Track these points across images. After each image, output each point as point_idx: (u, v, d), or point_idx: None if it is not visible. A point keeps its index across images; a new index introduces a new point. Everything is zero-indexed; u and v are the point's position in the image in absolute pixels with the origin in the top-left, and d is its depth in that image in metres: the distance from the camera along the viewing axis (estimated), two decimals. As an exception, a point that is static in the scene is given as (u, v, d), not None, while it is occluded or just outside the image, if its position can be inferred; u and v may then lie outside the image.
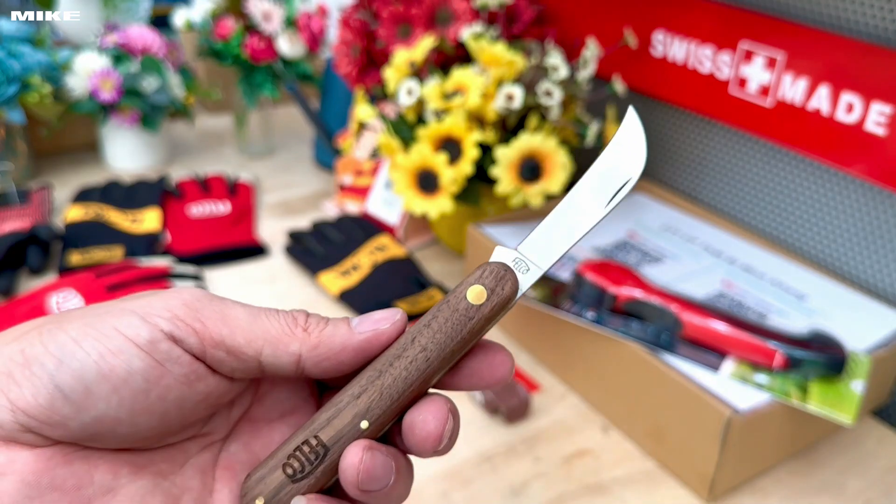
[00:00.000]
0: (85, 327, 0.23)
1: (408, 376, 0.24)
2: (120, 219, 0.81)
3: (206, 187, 0.90)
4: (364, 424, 0.24)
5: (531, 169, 0.65)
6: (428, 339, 0.24)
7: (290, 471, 0.24)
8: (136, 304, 0.24)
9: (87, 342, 0.22)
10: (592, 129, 0.69)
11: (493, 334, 0.67)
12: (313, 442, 0.24)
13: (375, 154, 0.80)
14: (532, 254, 0.25)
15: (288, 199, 0.93)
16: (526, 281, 0.25)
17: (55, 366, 0.22)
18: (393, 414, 0.24)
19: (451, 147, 0.66)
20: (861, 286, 0.65)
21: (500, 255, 0.25)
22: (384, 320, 0.25)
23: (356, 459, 0.23)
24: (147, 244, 0.77)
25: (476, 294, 0.24)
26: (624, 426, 0.56)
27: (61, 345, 0.22)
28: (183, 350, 0.23)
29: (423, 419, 0.24)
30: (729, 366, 0.52)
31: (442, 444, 0.24)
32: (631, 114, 0.26)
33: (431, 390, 0.25)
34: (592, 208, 0.25)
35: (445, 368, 0.24)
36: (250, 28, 0.97)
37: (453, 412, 0.25)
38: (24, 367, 0.22)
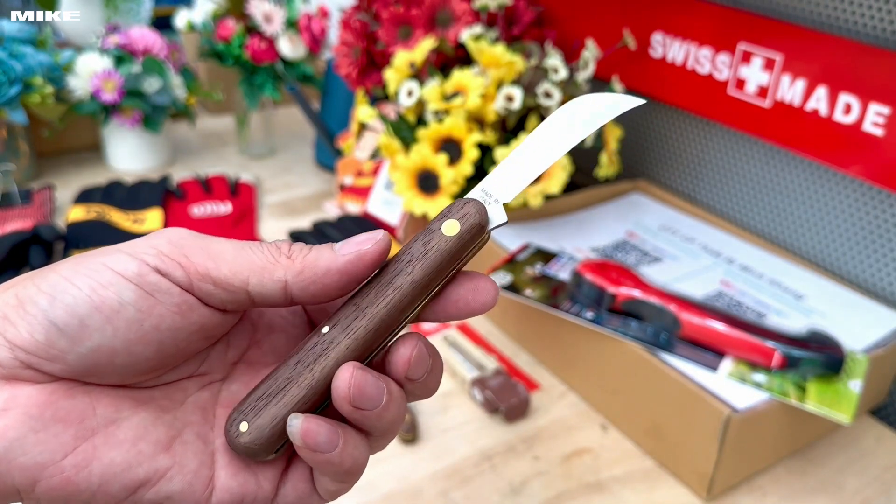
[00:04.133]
0: (76, 265, 0.23)
1: (388, 303, 0.25)
2: (122, 219, 0.81)
3: (207, 188, 0.91)
4: (325, 329, 0.25)
5: (531, 169, 0.66)
6: (404, 266, 0.25)
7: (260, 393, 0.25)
8: (123, 245, 0.25)
9: (77, 279, 0.23)
10: (592, 130, 0.69)
11: (493, 333, 0.68)
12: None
13: (376, 155, 0.80)
14: (496, 189, 0.27)
15: (289, 200, 0.94)
16: (495, 212, 0.26)
17: (48, 302, 0.22)
18: (376, 340, 0.25)
19: (451, 148, 0.67)
20: (859, 286, 0.65)
21: (468, 194, 0.27)
22: (367, 241, 0.25)
23: (346, 374, 0.24)
24: (149, 244, 0.77)
25: (448, 226, 0.25)
26: (623, 425, 0.57)
27: (53, 283, 0.23)
28: (171, 282, 0.24)
29: (396, 347, 0.25)
30: (727, 365, 0.52)
31: (413, 370, 0.25)
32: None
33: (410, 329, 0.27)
34: (553, 145, 0.27)
35: (424, 297, 0.26)
36: (251, 29, 0.98)
37: (424, 343, 0.26)
38: (19, 307, 0.23)
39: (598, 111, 0.27)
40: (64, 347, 0.23)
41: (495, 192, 0.26)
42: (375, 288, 0.25)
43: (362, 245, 0.25)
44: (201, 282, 0.24)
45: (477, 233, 0.25)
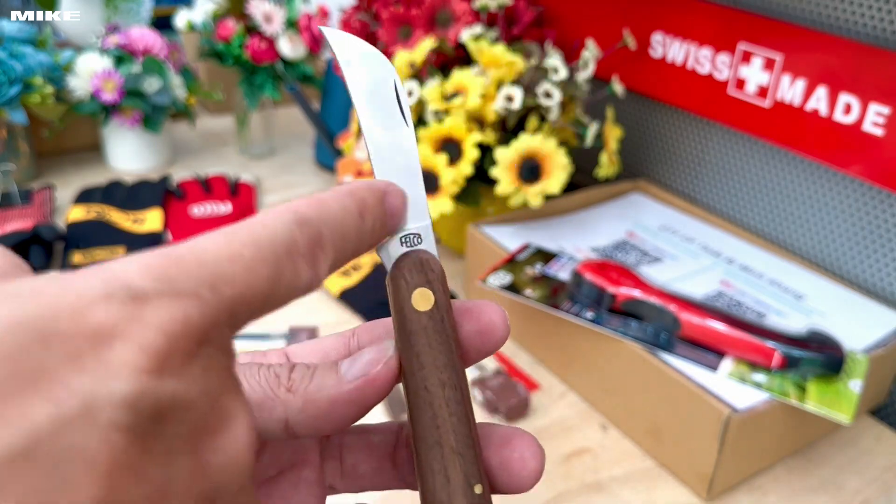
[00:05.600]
0: None
1: (457, 410, 0.21)
2: (122, 219, 0.81)
3: (207, 188, 0.91)
4: (478, 489, 0.21)
5: (531, 169, 0.66)
6: (429, 362, 0.22)
7: None
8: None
9: None
10: (592, 130, 0.69)
11: (493, 334, 0.68)
12: None
13: (376, 155, 0.80)
14: (408, 223, 0.23)
15: (289, 200, 0.93)
16: (429, 243, 0.23)
17: None
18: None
19: (451, 148, 0.66)
20: (859, 286, 0.65)
21: (393, 251, 0.23)
22: (374, 362, 0.23)
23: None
24: (149, 244, 0.77)
25: (418, 298, 0.22)
26: (623, 425, 0.57)
27: None
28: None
29: (519, 456, 0.22)
30: (727, 365, 0.52)
31: (538, 476, 0.22)
32: (326, 33, 0.22)
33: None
34: (393, 135, 0.22)
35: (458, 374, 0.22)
36: (251, 29, 0.98)
37: (537, 444, 0.22)
38: None
39: (382, 75, 0.22)
40: None
41: (411, 225, 0.23)
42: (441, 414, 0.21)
43: (369, 367, 0.22)
44: None
45: (441, 278, 0.22)
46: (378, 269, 0.73)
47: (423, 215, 0.23)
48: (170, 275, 0.15)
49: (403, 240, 0.23)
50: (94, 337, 0.13)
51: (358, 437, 0.25)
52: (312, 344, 0.26)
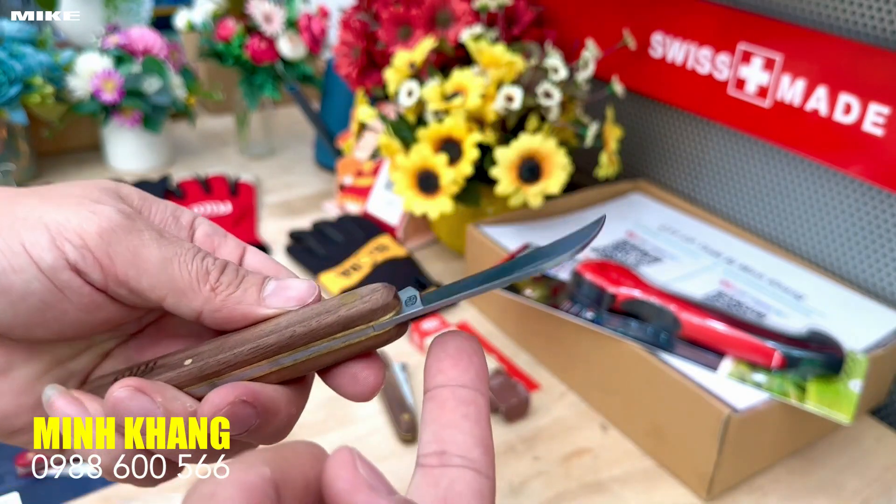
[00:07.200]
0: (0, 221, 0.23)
1: (246, 351, 0.24)
2: (122, 219, 0.81)
3: (207, 188, 0.91)
4: (188, 362, 0.24)
5: (531, 169, 0.66)
6: (288, 320, 0.24)
7: (118, 377, 0.25)
8: (54, 215, 0.23)
9: None
10: (592, 130, 0.69)
11: (493, 333, 0.68)
12: (144, 366, 0.25)
13: (376, 155, 0.80)
14: (427, 297, 0.24)
15: (289, 200, 0.94)
16: (409, 308, 0.24)
17: None
18: (216, 374, 0.24)
19: (451, 148, 0.66)
20: (859, 286, 0.65)
21: (405, 291, 0.25)
22: (294, 300, 0.24)
23: (120, 385, 0.23)
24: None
25: (348, 296, 0.24)
26: (623, 425, 0.57)
27: None
28: (84, 282, 0.23)
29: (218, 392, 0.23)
30: (727, 365, 0.52)
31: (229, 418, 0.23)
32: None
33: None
34: (494, 279, 0.24)
35: (287, 353, 0.24)
36: (251, 29, 0.98)
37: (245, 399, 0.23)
38: None
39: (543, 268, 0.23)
40: None
41: (427, 297, 0.24)
42: (249, 335, 0.24)
43: (289, 304, 0.24)
44: (117, 286, 0.24)
45: (371, 314, 0.23)
46: (378, 271, 0.73)
47: (432, 304, 0.24)
48: None
49: (411, 298, 0.24)
50: None
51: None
52: (273, 264, 0.27)
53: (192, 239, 0.27)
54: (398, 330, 0.24)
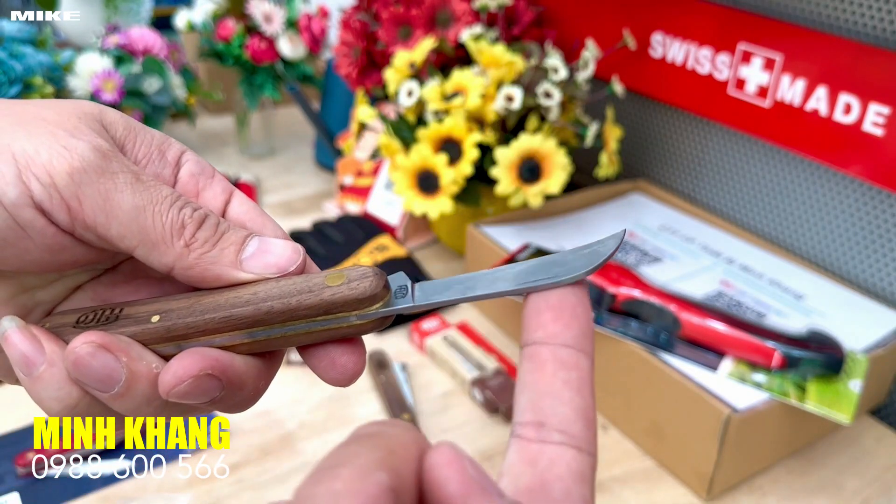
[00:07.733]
0: None
1: (217, 318, 0.22)
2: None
3: (207, 188, 0.91)
4: (155, 319, 0.23)
5: (531, 169, 0.66)
6: (267, 292, 0.22)
7: (82, 318, 0.24)
8: (24, 143, 0.21)
9: None
10: (592, 130, 0.69)
11: (493, 333, 0.68)
12: (110, 312, 0.24)
13: (376, 155, 0.80)
14: (420, 291, 0.23)
15: (289, 200, 0.94)
16: (398, 302, 0.23)
17: None
18: (183, 338, 0.23)
19: (451, 148, 0.66)
20: (859, 286, 0.65)
21: (396, 277, 0.24)
22: (274, 267, 0.23)
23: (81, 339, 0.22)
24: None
25: (334, 277, 0.23)
26: (623, 425, 0.57)
27: None
28: (48, 222, 0.21)
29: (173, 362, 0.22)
30: (727, 365, 0.52)
31: (178, 392, 0.22)
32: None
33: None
34: (500, 286, 0.22)
35: (262, 328, 0.23)
36: (251, 29, 0.98)
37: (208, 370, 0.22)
38: None
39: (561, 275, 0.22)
40: None
41: (418, 294, 0.23)
42: (223, 301, 0.22)
43: (268, 271, 0.23)
44: (84, 231, 0.22)
45: (356, 301, 0.22)
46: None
47: (426, 301, 0.23)
48: None
49: (401, 287, 0.23)
50: None
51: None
52: (259, 215, 0.25)
53: (177, 177, 0.25)
54: (383, 321, 0.23)
